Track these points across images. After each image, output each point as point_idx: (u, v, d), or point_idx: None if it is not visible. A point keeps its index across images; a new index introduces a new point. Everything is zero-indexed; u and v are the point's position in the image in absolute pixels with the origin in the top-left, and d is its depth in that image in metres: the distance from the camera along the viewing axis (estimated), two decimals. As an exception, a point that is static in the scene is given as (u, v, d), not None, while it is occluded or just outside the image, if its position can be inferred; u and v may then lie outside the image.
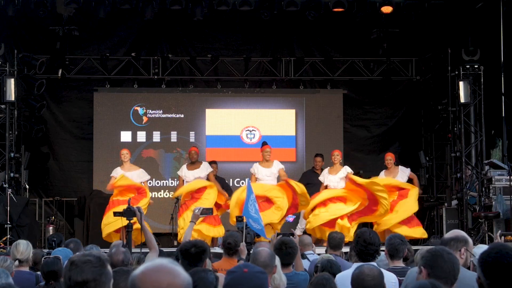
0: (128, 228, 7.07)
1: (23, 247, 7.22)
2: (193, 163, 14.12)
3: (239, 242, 6.66)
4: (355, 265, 5.80)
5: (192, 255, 5.28)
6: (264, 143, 14.40)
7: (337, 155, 14.03)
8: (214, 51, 17.74)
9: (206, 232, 13.39)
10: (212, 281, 4.55)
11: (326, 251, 8.65)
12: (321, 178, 13.98)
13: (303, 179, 14.95)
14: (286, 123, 17.59)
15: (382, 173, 14.26)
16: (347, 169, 13.94)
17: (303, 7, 15.16)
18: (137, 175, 14.09)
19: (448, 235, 5.03)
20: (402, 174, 14.17)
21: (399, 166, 14.35)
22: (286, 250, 6.33)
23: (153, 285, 2.52)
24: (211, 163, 14.76)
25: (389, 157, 14.22)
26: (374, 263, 5.71)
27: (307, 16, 15.39)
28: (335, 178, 13.87)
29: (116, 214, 7.87)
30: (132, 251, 6.93)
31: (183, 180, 14.15)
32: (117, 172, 14.06)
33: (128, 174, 13.94)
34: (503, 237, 5.96)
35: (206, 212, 8.05)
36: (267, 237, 9.48)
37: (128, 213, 6.95)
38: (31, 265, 7.45)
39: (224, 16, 16.40)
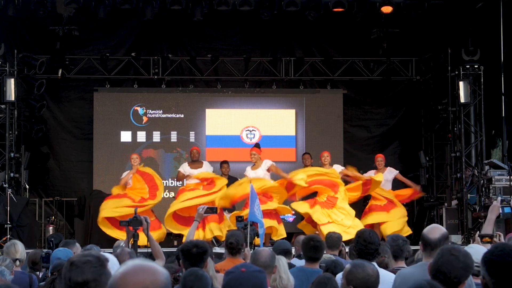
0: (134, 237, 7.03)
1: (22, 247, 7.21)
2: (195, 162, 14.31)
3: (241, 241, 6.64)
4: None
5: (194, 255, 5.27)
6: (255, 145, 14.47)
7: (327, 156, 14.26)
8: (214, 51, 17.73)
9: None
10: (209, 280, 4.55)
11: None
12: None
13: None
14: (286, 123, 17.59)
15: (372, 172, 14.49)
16: (338, 168, 14.29)
17: (303, 7, 15.16)
18: None
19: (437, 235, 4.96)
20: (390, 172, 14.57)
21: (388, 167, 14.72)
22: (313, 244, 6.30)
23: (136, 286, 2.51)
24: (223, 163, 14.96)
25: (380, 158, 14.75)
26: (374, 263, 5.71)
27: (307, 16, 15.39)
28: None
29: (122, 223, 7.86)
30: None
31: (183, 174, 14.39)
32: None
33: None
34: (478, 238, 5.92)
35: (210, 211, 8.04)
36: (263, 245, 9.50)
37: (135, 222, 6.90)
38: (25, 264, 7.44)
39: (224, 16, 16.40)
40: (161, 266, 6.57)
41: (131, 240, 7.05)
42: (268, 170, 13.78)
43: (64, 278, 3.19)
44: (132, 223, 6.95)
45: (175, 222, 13.98)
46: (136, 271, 2.55)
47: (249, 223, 8.54)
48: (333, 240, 8.20)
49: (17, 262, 7.04)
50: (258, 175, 13.65)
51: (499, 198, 6.30)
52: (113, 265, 4.06)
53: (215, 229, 13.56)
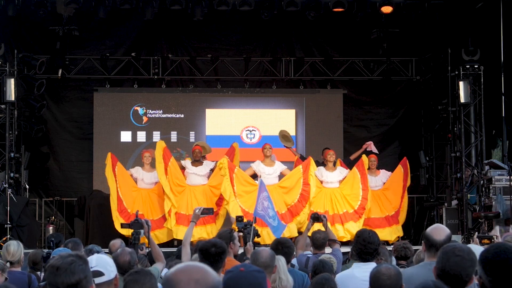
0: (135, 240, 7.03)
1: (14, 248, 7.19)
2: (196, 161, 14.30)
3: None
4: (355, 264, 5.81)
5: (212, 255, 5.27)
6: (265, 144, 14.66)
7: (332, 155, 14.41)
8: (214, 51, 17.74)
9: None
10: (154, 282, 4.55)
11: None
12: (317, 173, 14.20)
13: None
14: (286, 123, 17.58)
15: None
16: (343, 170, 14.43)
17: (303, 7, 15.16)
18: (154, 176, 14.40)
19: (442, 236, 4.94)
20: (384, 176, 14.72)
21: (382, 170, 14.82)
22: (282, 250, 6.38)
23: (186, 277, 2.69)
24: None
25: (373, 159, 14.77)
26: (373, 263, 5.71)
27: (307, 16, 15.39)
28: (333, 175, 14.30)
29: (123, 225, 7.86)
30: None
31: (182, 166, 14.28)
32: (138, 172, 14.41)
33: (147, 175, 14.26)
34: (476, 239, 5.92)
35: (207, 212, 8.04)
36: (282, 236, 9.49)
37: (136, 225, 6.90)
38: (22, 264, 7.44)
39: (224, 16, 16.41)
40: (160, 268, 6.54)
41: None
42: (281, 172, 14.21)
43: (51, 284, 3.19)
44: (133, 226, 6.95)
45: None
46: (191, 267, 2.75)
47: (249, 222, 8.55)
48: (319, 241, 8.28)
49: (8, 264, 7.02)
50: (275, 170, 14.03)
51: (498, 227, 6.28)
52: (106, 265, 4.03)
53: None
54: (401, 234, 14.26)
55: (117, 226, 13.63)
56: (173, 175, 13.97)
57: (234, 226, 13.52)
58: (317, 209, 13.69)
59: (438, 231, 4.97)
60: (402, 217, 14.54)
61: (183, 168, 14.30)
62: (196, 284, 2.68)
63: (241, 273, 3.33)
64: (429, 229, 5.01)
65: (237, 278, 3.32)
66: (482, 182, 14.67)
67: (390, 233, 14.23)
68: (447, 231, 5.01)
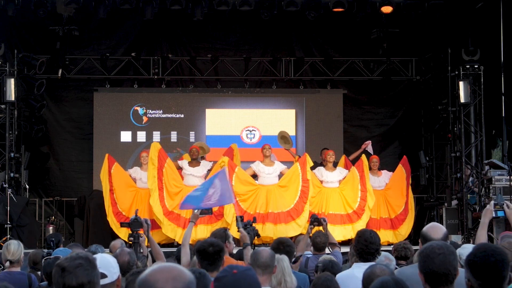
0: (135, 239, 7.02)
1: (14, 248, 7.18)
2: (194, 160, 14.27)
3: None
4: (356, 264, 5.80)
5: (211, 254, 5.28)
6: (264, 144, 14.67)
7: (332, 155, 14.43)
8: (214, 51, 17.73)
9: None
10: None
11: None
12: (317, 173, 14.18)
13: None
14: (286, 123, 17.59)
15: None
16: (342, 171, 14.48)
17: (303, 7, 15.15)
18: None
19: (440, 235, 4.93)
20: (385, 176, 14.76)
21: (383, 171, 14.85)
22: (284, 249, 6.38)
23: (163, 276, 2.75)
24: None
25: (375, 159, 14.81)
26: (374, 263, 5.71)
27: (307, 16, 15.38)
28: (333, 175, 14.31)
29: (123, 225, 7.85)
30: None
31: (178, 167, 14.25)
32: (136, 172, 14.40)
33: (145, 175, 14.18)
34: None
35: (206, 212, 8.03)
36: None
37: (135, 224, 6.88)
38: (22, 264, 7.43)
39: (224, 16, 16.40)
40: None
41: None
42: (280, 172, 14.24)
43: (56, 283, 3.20)
44: (133, 225, 6.93)
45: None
46: (166, 267, 2.81)
47: (249, 222, 8.55)
48: (320, 245, 8.31)
49: (7, 263, 7.01)
50: (275, 169, 14.06)
51: (492, 202, 6.25)
52: (109, 266, 4.03)
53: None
54: (392, 240, 14.10)
55: (114, 228, 13.68)
56: (170, 176, 13.94)
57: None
58: (316, 209, 13.73)
59: (435, 229, 4.97)
60: (409, 224, 14.58)
61: (180, 169, 14.28)
62: (174, 281, 2.72)
63: (237, 275, 3.28)
64: (426, 228, 5.01)
65: (236, 281, 3.28)
66: (482, 182, 14.66)
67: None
68: (443, 229, 5.02)
